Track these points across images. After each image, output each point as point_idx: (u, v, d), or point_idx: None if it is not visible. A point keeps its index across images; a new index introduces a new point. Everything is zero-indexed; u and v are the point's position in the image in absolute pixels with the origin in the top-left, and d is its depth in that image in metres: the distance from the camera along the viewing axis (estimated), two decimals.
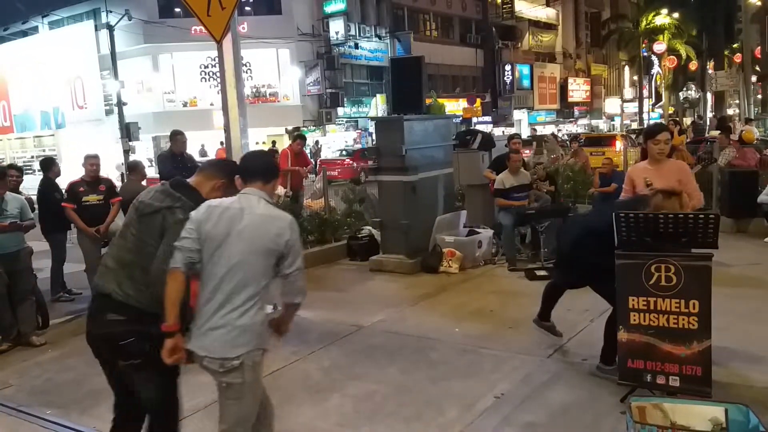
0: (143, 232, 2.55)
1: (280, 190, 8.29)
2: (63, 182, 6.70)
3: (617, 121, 44.11)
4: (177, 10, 22.89)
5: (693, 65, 39.10)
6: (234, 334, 2.36)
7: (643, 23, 38.23)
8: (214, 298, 2.40)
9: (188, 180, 2.75)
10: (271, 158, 2.89)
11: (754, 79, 28.53)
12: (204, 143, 21.74)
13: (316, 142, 24.58)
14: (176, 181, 2.71)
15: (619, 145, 16.93)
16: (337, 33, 26.29)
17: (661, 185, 3.66)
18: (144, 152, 22.37)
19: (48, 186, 6.64)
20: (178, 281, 2.38)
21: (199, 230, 2.43)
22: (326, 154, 24.43)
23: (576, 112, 41.61)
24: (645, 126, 34.17)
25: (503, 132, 26.75)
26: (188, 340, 2.44)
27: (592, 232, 3.76)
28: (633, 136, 20.72)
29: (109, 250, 2.76)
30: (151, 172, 11.64)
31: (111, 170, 16.98)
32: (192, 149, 12.62)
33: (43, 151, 25.19)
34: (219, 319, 2.39)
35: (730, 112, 36.11)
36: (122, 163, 19.42)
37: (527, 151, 15.91)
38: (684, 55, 37.41)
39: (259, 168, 2.58)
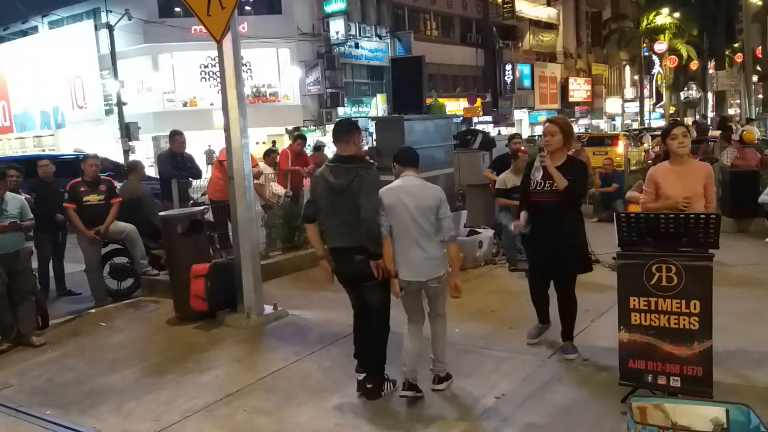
0: (350, 199, 3.50)
1: (280, 190, 8.28)
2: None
3: (618, 121, 44.12)
4: (177, 9, 22.90)
5: (694, 65, 39.11)
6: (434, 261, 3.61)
7: (644, 23, 38.25)
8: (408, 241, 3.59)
9: (341, 153, 3.65)
10: (414, 152, 3.79)
11: (755, 78, 28.50)
12: (210, 143, 21.65)
13: (317, 142, 24.58)
14: (341, 158, 3.64)
15: (621, 144, 16.93)
16: (337, 33, 26.28)
17: (683, 190, 3.74)
18: (144, 152, 22.38)
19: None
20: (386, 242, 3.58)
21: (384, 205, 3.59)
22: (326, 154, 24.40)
23: (577, 112, 41.60)
24: (645, 126, 34.22)
25: (499, 132, 26.78)
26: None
27: None
28: (636, 133, 20.71)
29: (327, 225, 3.70)
30: (152, 171, 11.64)
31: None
32: (195, 149, 12.62)
33: (43, 150, 25.19)
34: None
35: (731, 111, 36.06)
36: (122, 163, 19.44)
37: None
38: (685, 55, 37.42)
39: (415, 158, 3.73)
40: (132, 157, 17.08)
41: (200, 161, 11.15)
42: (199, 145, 21.00)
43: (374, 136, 9.07)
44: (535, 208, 4.11)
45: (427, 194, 3.58)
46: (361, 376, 3.77)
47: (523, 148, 7.58)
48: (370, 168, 3.63)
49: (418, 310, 3.76)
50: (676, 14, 36.74)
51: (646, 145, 17.64)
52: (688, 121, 29.62)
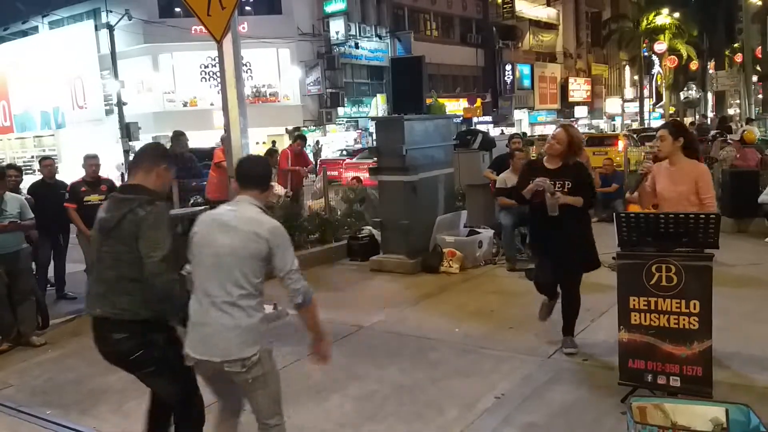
0: (117, 246, 2.54)
1: (280, 190, 8.28)
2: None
3: (618, 121, 44.09)
4: (177, 9, 22.90)
5: (694, 65, 39.11)
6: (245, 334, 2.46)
7: (644, 23, 38.25)
8: (204, 300, 2.49)
9: (131, 182, 2.72)
10: (267, 164, 2.83)
11: (754, 78, 28.52)
12: (217, 143, 21.57)
13: (317, 142, 24.59)
14: (122, 187, 2.79)
15: (621, 144, 16.92)
16: (337, 33, 26.28)
17: (669, 187, 3.84)
18: None
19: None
20: None
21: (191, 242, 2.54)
22: (326, 154, 24.41)
23: (576, 112, 41.61)
24: (646, 126, 34.19)
25: (502, 131, 26.75)
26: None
27: None
28: (635, 136, 20.67)
29: (90, 279, 2.73)
30: None
31: (111, 170, 16.97)
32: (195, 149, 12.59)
33: (43, 151, 25.19)
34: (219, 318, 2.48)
35: (731, 112, 36.08)
36: (122, 163, 19.43)
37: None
38: (685, 55, 37.41)
39: (257, 176, 2.63)
40: (132, 158, 17.05)
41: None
42: (198, 145, 21.00)
43: (374, 136, 9.07)
44: (541, 208, 4.06)
45: (250, 233, 2.45)
46: None
47: (519, 143, 7.60)
48: (152, 204, 2.56)
49: (234, 401, 2.72)
50: (676, 14, 36.74)
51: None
52: (688, 121, 29.59)
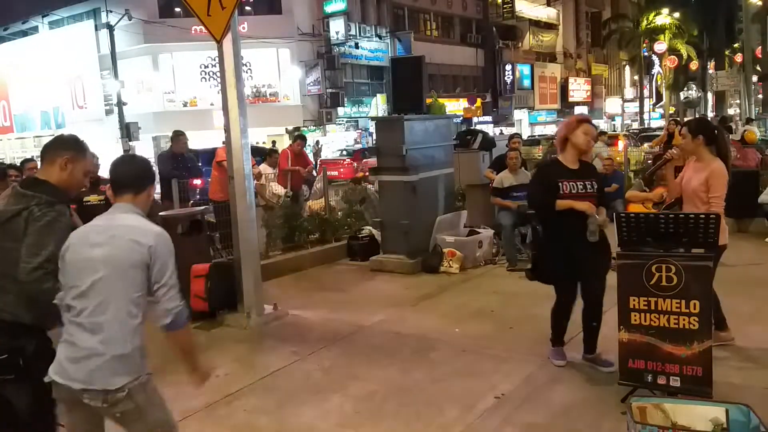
0: (5, 241, 2.37)
1: (280, 190, 8.29)
2: None
3: (618, 121, 44.10)
4: (177, 9, 22.91)
5: (694, 65, 39.13)
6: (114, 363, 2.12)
7: (644, 23, 38.27)
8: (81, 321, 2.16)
9: (36, 175, 2.56)
10: (142, 163, 2.43)
11: (754, 78, 28.50)
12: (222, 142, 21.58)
13: (317, 142, 24.62)
14: (25, 181, 2.59)
15: (621, 144, 16.92)
16: (337, 33, 26.29)
17: (688, 182, 3.87)
18: (144, 152, 22.37)
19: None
20: None
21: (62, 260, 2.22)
22: (326, 154, 24.43)
23: (577, 112, 41.64)
24: (645, 126, 34.21)
25: (501, 131, 26.76)
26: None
27: None
28: (635, 136, 20.67)
29: None
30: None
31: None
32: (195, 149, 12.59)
33: None
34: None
35: (731, 112, 36.09)
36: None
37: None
38: (685, 55, 37.42)
39: (129, 177, 2.31)
40: None
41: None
42: (198, 145, 21.01)
43: (374, 136, 9.08)
44: (570, 212, 3.68)
45: (126, 241, 2.15)
46: None
47: (518, 143, 7.60)
48: (51, 206, 2.38)
49: None
50: (676, 14, 36.75)
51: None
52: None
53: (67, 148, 2.52)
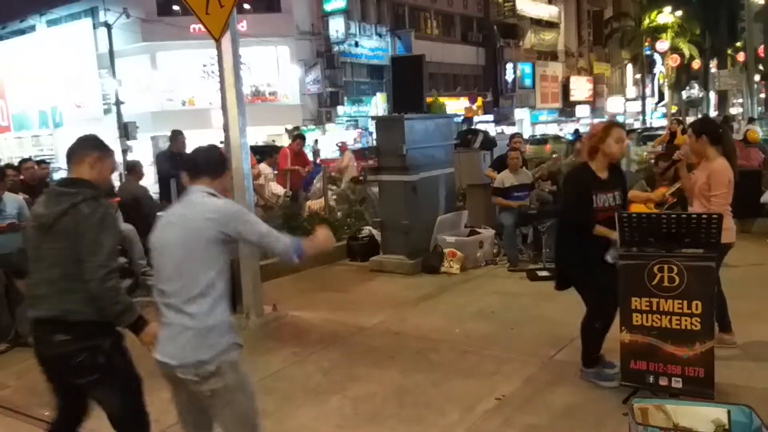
0: (58, 242, 2.39)
1: (280, 190, 8.27)
2: None
3: (620, 120, 44.05)
4: (175, 8, 22.89)
5: (696, 64, 39.04)
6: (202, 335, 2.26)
7: (646, 21, 38.20)
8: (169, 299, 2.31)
9: (70, 175, 2.58)
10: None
11: (757, 78, 28.41)
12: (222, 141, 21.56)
13: (316, 142, 24.59)
14: (61, 181, 2.61)
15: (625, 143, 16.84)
16: (337, 31, 26.25)
17: (697, 180, 3.91)
18: (142, 152, 22.35)
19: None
20: None
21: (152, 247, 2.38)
22: (325, 154, 24.39)
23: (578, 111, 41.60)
24: (646, 126, 34.19)
25: (502, 131, 26.72)
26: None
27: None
28: (638, 132, 20.60)
29: (29, 282, 2.52)
30: (150, 171, 11.61)
31: None
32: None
33: (41, 150, 25.16)
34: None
35: (733, 111, 36.02)
36: (120, 163, 19.41)
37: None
38: (687, 54, 37.35)
39: (205, 163, 2.44)
40: (130, 157, 17.08)
41: None
42: (197, 144, 20.96)
43: (374, 136, 9.06)
44: (605, 224, 3.52)
45: (198, 217, 2.28)
46: None
47: (519, 143, 7.56)
48: (97, 201, 2.42)
49: (198, 423, 2.45)
50: (678, 13, 36.67)
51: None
52: (689, 120, 29.55)
53: (93, 147, 2.59)
